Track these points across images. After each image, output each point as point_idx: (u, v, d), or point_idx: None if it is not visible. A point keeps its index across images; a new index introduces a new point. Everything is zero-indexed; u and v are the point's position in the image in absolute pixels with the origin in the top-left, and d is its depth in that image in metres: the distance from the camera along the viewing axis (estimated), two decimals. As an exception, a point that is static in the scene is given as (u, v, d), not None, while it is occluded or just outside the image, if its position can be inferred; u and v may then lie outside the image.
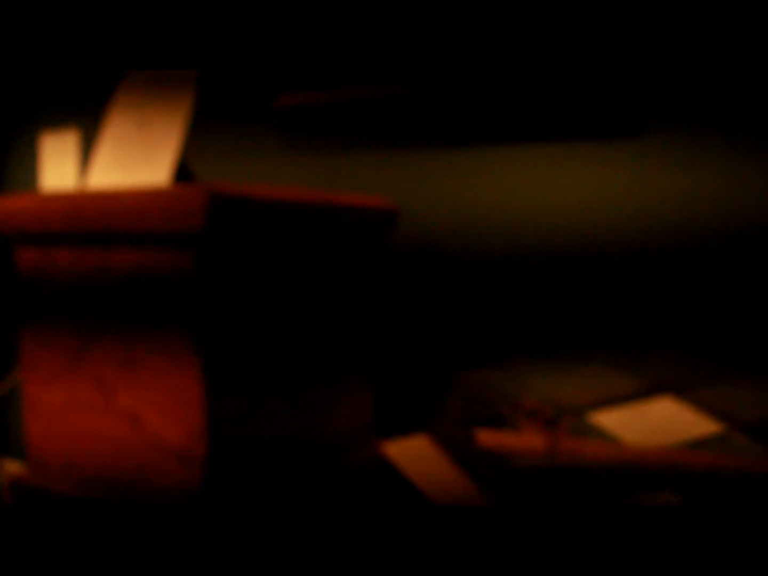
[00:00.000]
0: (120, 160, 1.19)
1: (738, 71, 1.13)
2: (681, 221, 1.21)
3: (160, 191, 0.95)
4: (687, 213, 1.20)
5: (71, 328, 1.07)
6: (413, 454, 1.07)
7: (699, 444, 1.02)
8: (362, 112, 1.42)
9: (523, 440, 1.07)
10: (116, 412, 1.01)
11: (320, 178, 1.52)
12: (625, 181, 1.25)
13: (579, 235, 1.30)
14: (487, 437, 1.09)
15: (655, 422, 1.08)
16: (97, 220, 1.01)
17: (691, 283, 1.21)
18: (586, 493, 0.84)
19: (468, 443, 1.09)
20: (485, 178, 1.37)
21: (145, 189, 0.96)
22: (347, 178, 1.49)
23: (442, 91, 1.32)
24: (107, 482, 1.00)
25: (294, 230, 1.05)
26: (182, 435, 0.94)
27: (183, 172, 1.21)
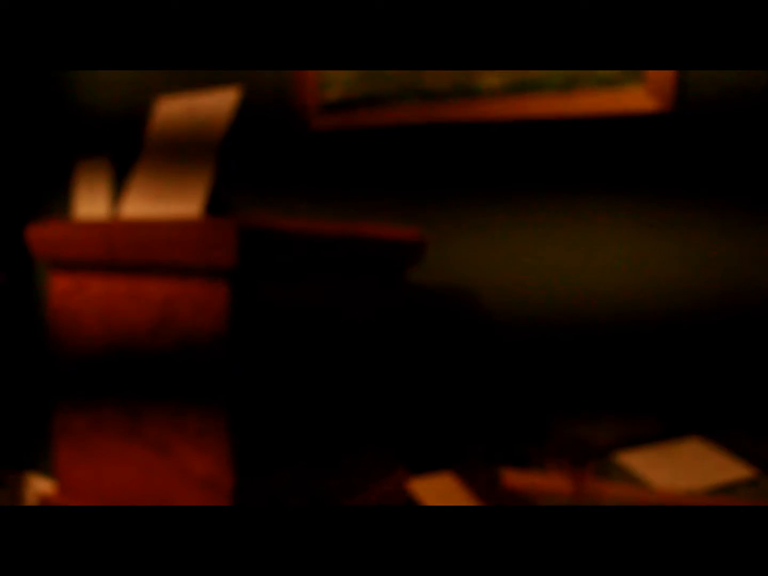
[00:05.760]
0: (154, 191, 1.19)
1: None
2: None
3: (190, 223, 0.95)
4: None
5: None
6: (437, 490, 1.07)
7: (729, 488, 1.00)
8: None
9: (549, 481, 1.06)
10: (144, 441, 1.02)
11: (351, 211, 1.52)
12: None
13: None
14: (512, 477, 1.07)
15: (683, 465, 1.06)
16: (130, 249, 1.02)
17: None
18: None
19: (493, 483, 1.08)
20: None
21: (176, 220, 0.97)
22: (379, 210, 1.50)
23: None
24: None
25: (321, 262, 1.05)
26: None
27: (217, 202, 1.21)
